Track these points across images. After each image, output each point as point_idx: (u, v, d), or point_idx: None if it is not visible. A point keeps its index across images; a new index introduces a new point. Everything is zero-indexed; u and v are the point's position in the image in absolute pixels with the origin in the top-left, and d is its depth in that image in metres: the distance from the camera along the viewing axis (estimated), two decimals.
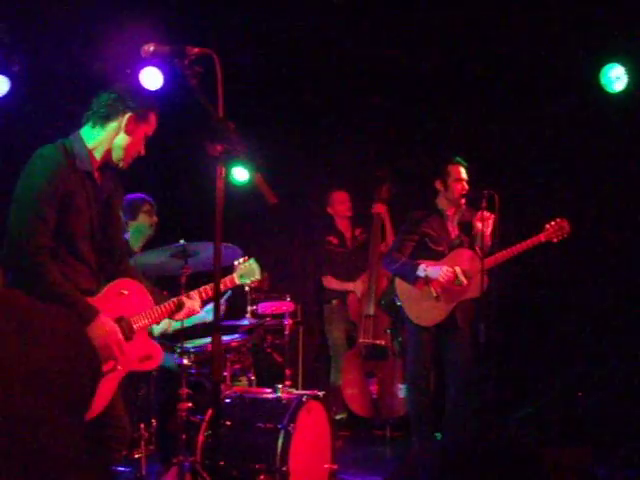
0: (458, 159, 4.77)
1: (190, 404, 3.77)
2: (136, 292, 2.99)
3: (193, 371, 4.05)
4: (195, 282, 4.24)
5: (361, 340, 5.69)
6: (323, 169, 6.49)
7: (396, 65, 5.97)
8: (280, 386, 3.98)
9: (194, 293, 3.18)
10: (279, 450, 3.61)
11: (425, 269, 4.59)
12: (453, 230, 4.79)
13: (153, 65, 5.31)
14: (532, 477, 2.07)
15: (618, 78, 5.32)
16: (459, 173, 4.72)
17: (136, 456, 3.75)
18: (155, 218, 4.49)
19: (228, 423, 3.78)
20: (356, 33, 5.81)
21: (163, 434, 3.94)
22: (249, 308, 4.62)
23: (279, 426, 3.66)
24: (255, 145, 2.44)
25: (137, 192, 4.49)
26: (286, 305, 4.70)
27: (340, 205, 6.11)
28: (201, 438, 3.73)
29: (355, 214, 6.17)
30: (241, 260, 3.49)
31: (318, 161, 6.48)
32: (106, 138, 2.85)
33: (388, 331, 5.69)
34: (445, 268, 4.55)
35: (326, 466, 3.89)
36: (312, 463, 3.82)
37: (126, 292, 2.94)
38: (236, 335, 4.47)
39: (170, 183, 6.12)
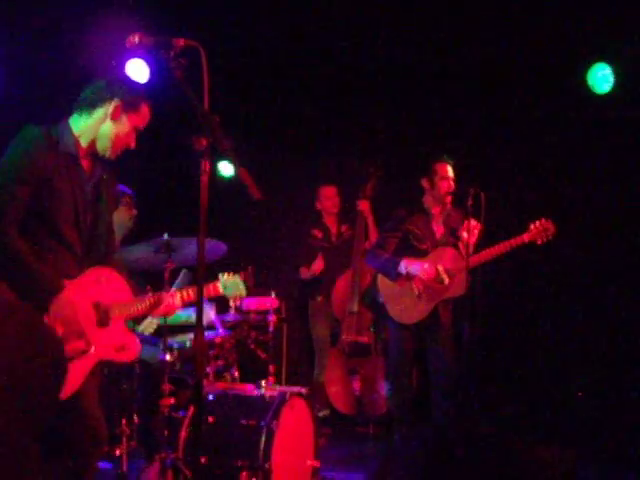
0: (445, 157, 4.74)
1: (172, 400, 3.74)
2: (114, 281, 2.92)
3: (176, 367, 4.02)
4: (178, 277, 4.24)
5: (344, 337, 5.68)
6: (312, 163, 6.46)
7: (386, 61, 5.97)
8: (263, 383, 3.96)
9: (175, 291, 3.12)
10: (262, 447, 3.59)
11: (407, 266, 4.57)
12: (438, 229, 4.77)
13: (139, 57, 5.27)
14: (516, 474, 2.06)
15: (605, 79, 5.35)
16: (445, 171, 4.69)
17: (117, 452, 3.71)
18: (134, 211, 4.43)
19: (211, 420, 3.75)
20: (346, 27, 5.80)
21: (145, 430, 3.91)
22: (233, 304, 4.60)
23: (262, 423, 3.65)
24: (241, 139, 2.42)
25: (119, 184, 4.44)
26: (270, 301, 4.67)
27: (327, 200, 6.10)
28: (183, 434, 3.70)
29: (343, 210, 6.16)
30: (226, 275, 3.35)
31: (307, 155, 6.45)
32: (92, 125, 2.80)
33: (371, 328, 5.68)
34: (426, 265, 4.53)
35: (309, 463, 3.87)
36: (295, 460, 3.80)
37: (104, 280, 2.86)
38: (219, 331, 4.44)
39: (155, 176, 6.07)
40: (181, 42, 2.24)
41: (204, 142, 2.13)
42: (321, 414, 5.52)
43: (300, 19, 5.74)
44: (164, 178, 6.20)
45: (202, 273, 2.28)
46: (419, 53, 5.83)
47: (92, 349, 2.71)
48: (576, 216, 5.46)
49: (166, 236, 3.80)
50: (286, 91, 6.28)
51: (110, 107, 2.78)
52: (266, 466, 3.55)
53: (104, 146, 2.82)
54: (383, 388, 5.52)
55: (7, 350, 2.36)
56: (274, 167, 6.23)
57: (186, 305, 3.16)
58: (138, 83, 2.91)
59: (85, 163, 2.84)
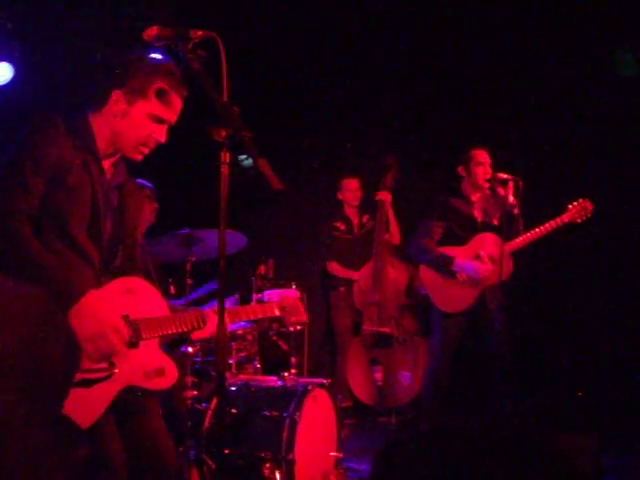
0: (480, 143, 4.79)
1: (195, 392, 3.76)
2: (147, 294, 2.47)
3: (198, 359, 4.03)
4: (200, 270, 4.25)
5: (366, 327, 5.69)
6: (334, 154, 6.44)
7: (408, 47, 5.94)
8: (286, 374, 3.96)
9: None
10: (285, 438, 3.58)
11: (461, 267, 4.58)
12: (478, 215, 4.80)
13: (156, 51, 5.26)
14: (539, 462, 2.03)
15: (630, 62, 5.30)
16: (481, 157, 4.73)
17: None
18: (155, 204, 4.45)
19: (233, 411, 3.76)
20: (368, 18, 5.77)
21: (168, 422, 3.92)
22: (255, 296, 4.61)
23: (285, 414, 3.64)
24: (261, 130, 2.40)
25: (138, 178, 4.46)
26: (292, 293, 4.67)
27: (349, 193, 6.09)
28: (206, 426, 3.72)
29: (363, 201, 6.15)
30: (287, 298, 3.06)
31: (329, 146, 6.43)
32: (104, 124, 2.44)
33: (393, 319, 5.67)
34: (483, 268, 4.54)
35: (332, 454, 3.87)
36: (318, 451, 3.80)
37: (134, 292, 2.42)
38: (242, 323, 4.44)
39: (175, 169, 6.09)
40: (199, 33, 2.22)
41: (223, 133, 2.12)
42: (343, 405, 5.53)
43: (320, 7, 5.72)
44: (184, 170, 6.21)
45: (223, 265, 2.26)
46: (446, 40, 5.78)
47: (116, 371, 2.27)
48: (612, 199, 5.36)
49: (187, 229, 3.80)
50: (307, 79, 6.27)
51: (112, 100, 2.41)
52: (289, 457, 3.55)
53: (121, 147, 2.47)
54: (405, 378, 5.52)
55: (19, 330, 2.14)
56: (294, 157, 6.23)
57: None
58: (148, 60, 2.42)
59: (106, 165, 2.49)
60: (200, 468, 3.62)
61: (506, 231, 4.49)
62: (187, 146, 5.89)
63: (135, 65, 2.42)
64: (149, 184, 4.46)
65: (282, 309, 2.99)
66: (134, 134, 2.44)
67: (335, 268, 6.01)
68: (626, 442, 4.70)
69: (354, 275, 5.91)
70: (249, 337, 4.44)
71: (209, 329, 2.57)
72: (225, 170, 2.13)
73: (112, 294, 2.35)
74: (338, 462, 3.89)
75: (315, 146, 6.48)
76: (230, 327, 2.72)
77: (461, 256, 4.65)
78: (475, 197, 4.81)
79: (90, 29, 4.97)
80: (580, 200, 4.57)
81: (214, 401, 3.74)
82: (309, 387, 3.79)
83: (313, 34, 5.96)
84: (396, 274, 5.75)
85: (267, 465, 3.58)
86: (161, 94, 2.42)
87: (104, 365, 2.23)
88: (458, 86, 5.97)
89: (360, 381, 5.69)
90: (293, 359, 4.38)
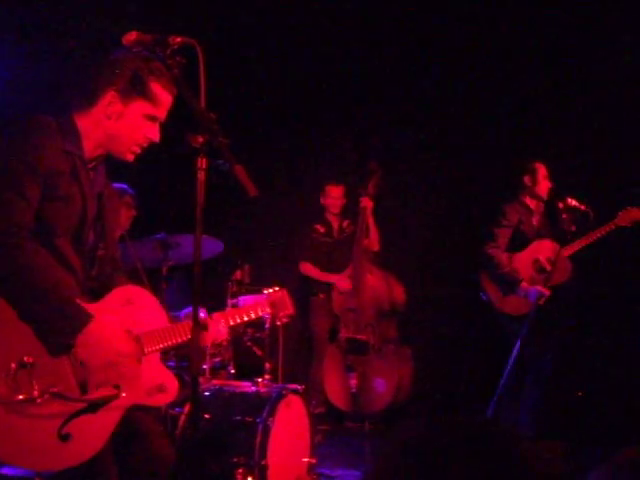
0: (540, 157, 5.01)
1: None
2: (148, 304, 2.42)
3: (172, 364, 4.02)
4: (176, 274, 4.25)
5: (343, 334, 5.71)
6: (318, 158, 6.44)
7: (401, 56, 5.98)
8: (260, 380, 3.97)
9: (218, 315, 2.66)
10: (258, 444, 3.59)
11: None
12: (537, 222, 5.01)
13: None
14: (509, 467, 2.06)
15: None
16: (546, 170, 4.95)
17: None
18: (134, 212, 4.42)
19: (207, 416, 3.76)
20: (355, 20, 5.79)
21: None
22: (229, 301, 4.61)
23: (258, 420, 3.65)
24: (240, 135, 2.42)
25: (118, 182, 4.44)
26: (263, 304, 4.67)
27: (332, 200, 6.09)
28: (179, 431, 3.71)
29: (345, 206, 6.15)
30: (271, 290, 3.12)
31: (313, 150, 6.43)
32: (93, 126, 2.34)
33: (370, 326, 5.69)
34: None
35: (305, 460, 3.88)
36: (291, 457, 3.81)
37: (135, 302, 2.35)
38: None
39: (152, 174, 6.07)
40: (178, 40, 2.23)
41: (200, 139, 2.13)
42: (317, 411, 5.54)
43: (302, 12, 5.74)
44: (161, 175, 6.20)
45: (199, 271, 2.26)
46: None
47: (122, 395, 2.18)
48: None
49: (163, 233, 3.80)
50: (289, 84, 6.29)
51: (105, 101, 2.32)
52: (262, 463, 3.56)
53: (114, 149, 2.38)
54: (380, 386, 5.54)
55: None
56: (274, 163, 6.24)
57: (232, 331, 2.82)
58: (141, 57, 2.30)
59: (91, 167, 2.39)
60: (173, 474, 3.60)
61: (561, 238, 4.73)
62: (164, 151, 5.90)
63: (128, 65, 2.34)
64: (130, 190, 4.44)
65: (272, 305, 3.02)
66: (131, 135, 2.37)
67: (308, 269, 6.00)
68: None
69: (330, 278, 5.91)
70: (223, 342, 4.43)
71: (210, 335, 2.53)
72: (202, 176, 2.14)
73: (113, 307, 2.29)
74: (311, 468, 3.90)
75: (296, 152, 6.48)
76: (225, 333, 2.65)
77: (520, 261, 4.87)
78: (533, 205, 5.02)
79: (71, 32, 4.96)
80: (628, 208, 4.81)
81: (187, 406, 3.73)
82: (283, 393, 3.81)
83: (297, 38, 5.98)
84: (374, 281, 5.76)
85: (240, 470, 3.58)
86: (154, 93, 2.37)
87: (109, 388, 2.16)
88: (447, 92, 6.02)
89: (335, 386, 5.70)
90: (267, 365, 4.39)
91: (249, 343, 4.77)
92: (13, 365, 1.97)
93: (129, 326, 2.29)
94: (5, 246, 2.07)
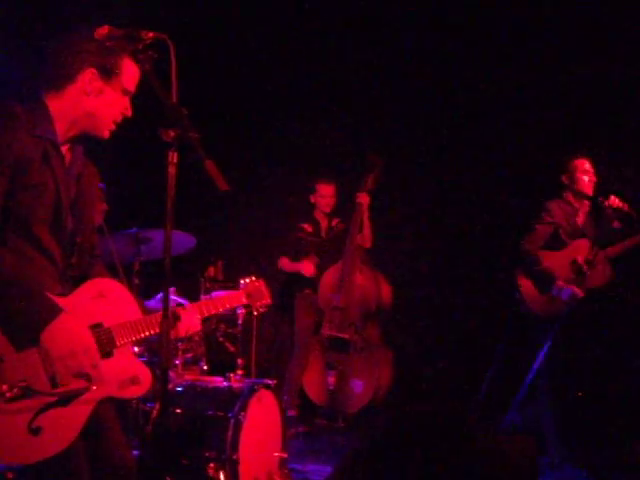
0: (582, 153, 4.83)
1: None
2: (120, 296, 2.41)
3: (144, 359, 4.02)
4: (148, 269, 4.24)
5: (325, 331, 5.63)
6: (307, 153, 6.34)
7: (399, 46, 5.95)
8: (232, 375, 3.98)
9: (192, 306, 2.66)
10: (229, 438, 3.61)
11: (560, 289, 4.63)
12: (580, 221, 4.87)
13: None
14: (476, 462, 2.11)
15: None
16: (585, 165, 4.79)
17: None
18: (105, 206, 4.40)
19: (178, 411, 3.77)
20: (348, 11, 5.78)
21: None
22: (202, 297, 4.62)
23: (230, 414, 3.67)
24: (221, 131, 2.43)
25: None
26: (239, 294, 4.67)
27: (322, 199, 5.92)
28: (151, 426, 3.71)
29: (336, 205, 6.01)
30: (247, 280, 3.12)
31: (302, 145, 6.36)
32: (68, 106, 2.30)
33: (353, 326, 5.61)
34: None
35: (276, 454, 3.90)
36: (262, 451, 3.83)
37: (107, 295, 2.35)
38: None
39: (124, 168, 6.04)
40: (150, 34, 2.24)
41: (172, 134, 2.14)
42: (290, 413, 5.48)
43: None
44: (133, 170, 6.17)
45: (169, 265, 2.27)
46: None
47: (93, 388, 2.19)
48: None
49: (135, 229, 3.80)
50: (279, 72, 6.24)
51: (84, 79, 2.30)
52: (234, 457, 3.58)
53: (92, 126, 2.35)
54: (357, 387, 5.49)
55: None
56: (259, 158, 6.20)
57: (205, 321, 2.78)
58: (114, 33, 2.26)
59: (65, 150, 2.34)
60: (144, 468, 3.61)
61: (603, 239, 4.64)
62: (136, 145, 5.88)
63: (106, 42, 2.29)
64: (100, 184, 4.41)
65: (248, 296, 3.02)
66: (111, 111, 2.35)
67: (284, 263, 5.90)
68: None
69: (297, 266, 5.76)
70: (196, 338, 4.44)
71: (183, 327, 2.52)
72: (172, 170, 2.15)
73: (83, 300, 2.29)
74: (282, 462, 3.92)
75: (284, 147, 6.43)
76: (199, 324, 2.64)
77: (557, 261, 4.76)
78: (578, 204, 4.88)
79: (46, 27, 4.91)
80: None
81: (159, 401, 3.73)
82: (255, 388, 3.82)
83: (288, 28, 5.95)
84: (363, 281, 5.64)
85: (211, 465, 3.60)
86: (128, 68, 2.35)
87: (80, 381, 2.17)
88: (453, 87, 5.99)
89: (313, 381, 5.64)
90: (240, 360, 4.40)
91: (221, 339, 4.78)
92: None
93: (100, 319, 2.30)
94: None
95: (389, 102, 6.20)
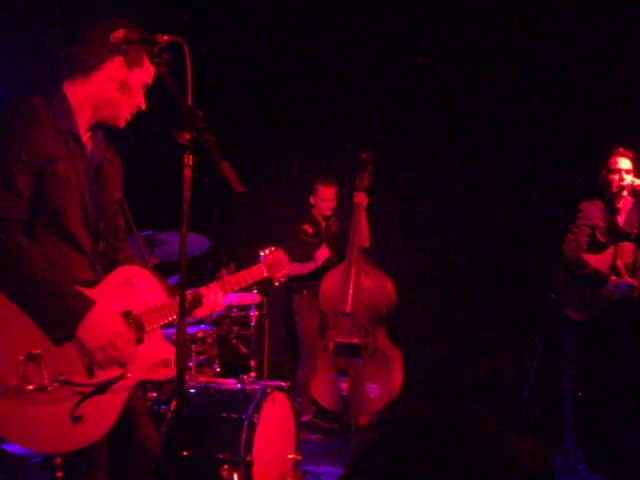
0: (620, 148, 4.64)
1: (155, 394, 3.76)
2: (146, 282, 2.46)
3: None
4: (164, 272, 4.24)
5: (336, 338, 5.48)
6: (308, 155, 6.33)
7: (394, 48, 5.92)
8: (245, 377, 3.99)
9: (215, 285, 2.69)
10: (243, 440, 3.61)
11: (615, 284, 4.47)
12: (622, 223, 4.68)
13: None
14: (489, 463, 2.09)
15: None
16: (617, 163, 4.61)
17: None
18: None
19: (192, 413, 3.78)
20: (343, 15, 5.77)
21: None
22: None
23: (243, 416, 3.67)
24: (229, 131, 2.43)
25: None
26: (252, 296, 4.68)
27: (324, 202, 5.85)
28: (166, 428, 3.72)
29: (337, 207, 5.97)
30: (267, 251, 3.12)
31: (303, 146, 6.34)
32: (92, 92, 2.35)
33: (364, 330, 5.48)
34: (632, 286, 4.42)
35: (290, 456, 3.90)
36: (276, 453, 3.83)
37: (133, 282, 2.41)
38: (202, 326, 4.46)
39: (139, 170, 6.05)
40: (165, 37, 2.25)
41: (187, 136, 2.15)
42: (305, 419, 5.44)
43: (290, 8, 5.75)
44: (148, 173, 6.19)
45: (185, 268, 2.28)
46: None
47: (128, 375, 2.30)
48: None
49: (149, 231, 3.81)
50: (278, 75, 6.24)
51: (112, 66, 2.36)
52: (247, 459, 3.58)
53: (112, 114, 2.40)
54: (373, 391, 5.41)
55: None
56: (263, 160, 6.22)
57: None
58: (129, 36, 2.31)
59: (86, 139, 2.40)
60: (158, 470, 3.62)
61: None
62: (151, 148, 5.91)
63: (122, 45, 2.36)
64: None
65: (269, 268, 3.05)
66: (130, 102, 2.41)
67: (297, 269, 5.85)
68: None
69: (307, 266, 5.69)
70: (209, 340, 4.45)
71: (207, 305, 2.60)
72: (188, 173, 2.16)
73: (111, 289, 2.36)
74: (296, 464, 3.93)
75: (286, 148, 6.44)
76: (222, 302, 2.70)
77: (596, 265, 4.58)
78: (619, 204, 4.68)
79: (60, 30, 4.93)
80: None
81: (174, 403, 3.75)
82: (268, 390, 3.83)
83: (287, 32, 5.97)
84: (370, 284, 5.52)
85: (225, 467, 3.60)
86: (147, 63, 2.42)
87: (115, 369, 2.26)
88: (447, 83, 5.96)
89: (324, 388, 5.51)
90: (253, 362, 4.41)
91: (234, 341, 4.78)
92: (21, 358, 2.07)
93: (129, 306, 2.37)
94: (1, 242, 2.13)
95: (388, 99, 6.20)
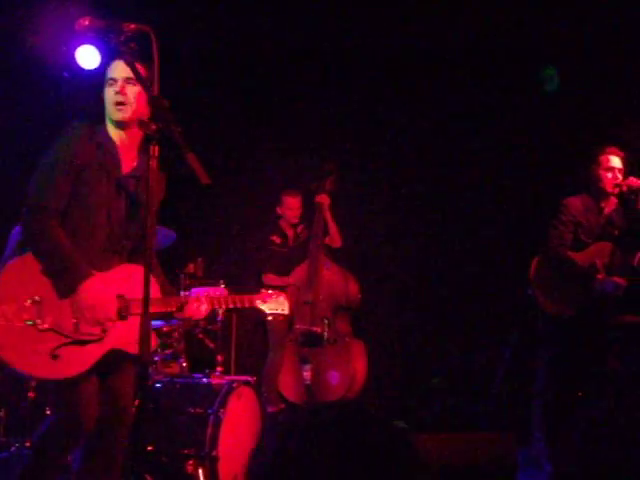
0: (612, 147, 4.54)
1: None
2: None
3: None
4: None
5: (297, 326, 5.69)
6: (274, 157, 6.31)
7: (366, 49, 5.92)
8: (211, 372, 3.97)
9: (204, 298, 3.07)
10: (209, 435, 3.60)
11: (602, 282, 4.37)
12: (605, 223, 4.58)
13: (90, 43, 5.19)
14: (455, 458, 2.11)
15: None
16: (610, 161, 4.50)
17: None
18: None
19: (157, 407, 3.74)
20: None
21: None
22: (182, 293, 4.58)
23: (209, 411, 3.66)
24: (197, 125, 2.41)
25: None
26: (220, 291, 4.65)
27: (289, 211, 6.03)
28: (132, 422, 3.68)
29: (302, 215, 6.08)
30: (271, 292, 3.29)
31: (273, 141, 6.31)
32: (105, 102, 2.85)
33: (325, 319, 5.69)
34: (618, 284, 4.34)
35: None
36: (242, 448, 3.82)
37: (134, 277, 2.83)
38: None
39: None
40: (132, 26, 2.23)
41: (153, 126, 2.13)
42: (276, 409, 5.52)
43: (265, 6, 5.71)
44: None
45: (149, 259, 2.27)
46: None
47: (104, 337, 2.79)
48: None
49: None
50: (251, 77, 6.21)
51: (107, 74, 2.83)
52: (213, 454, 3.57)
53: (110, 111, 2.83)
54: (334, 378, 5.55)
55: None
56: (229, 154, 6.20)
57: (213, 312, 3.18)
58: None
59: (123, 152, 2.86)
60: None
61: (629, 242, 4.39)
62: None
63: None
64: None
65: (263, 302, 3.23)
66: (113, 94, 2.79)
67: (271, 279, 6.01)
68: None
69: (289, 280, 5.91)
70: (175, 334, 4.42)
71: (187, 312, 2.99)
72: (153, 163, 2.14)
73: (114, 277, 2.88)
74: None
75: (254, 144, 6.42)
76: (203, 312, 3.07)
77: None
78: (604, 203, 4.57)
79: (26, 16, 4.86)
80: None
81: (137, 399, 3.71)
82: (234, 385, 3.81)
83: (259, 31, 5.93)
84: (330, 275, 5.71)
85: (190, 462, 3.59)
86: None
87: (97, 330, 2.78)
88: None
89: (289, 380, 5.68)
90: (219, 357, 4.38)
91: (201, 335, 4.75)
92: (29, 301, 2.74)
93: (124, 292, 2.84)
94: (34, 221, 2.78)
95: (388, 96, 6.21)
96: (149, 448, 3.57)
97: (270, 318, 3.46)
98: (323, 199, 5.77)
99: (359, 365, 5.67)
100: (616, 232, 4.57)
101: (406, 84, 6.03)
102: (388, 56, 5.99)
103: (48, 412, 3.71)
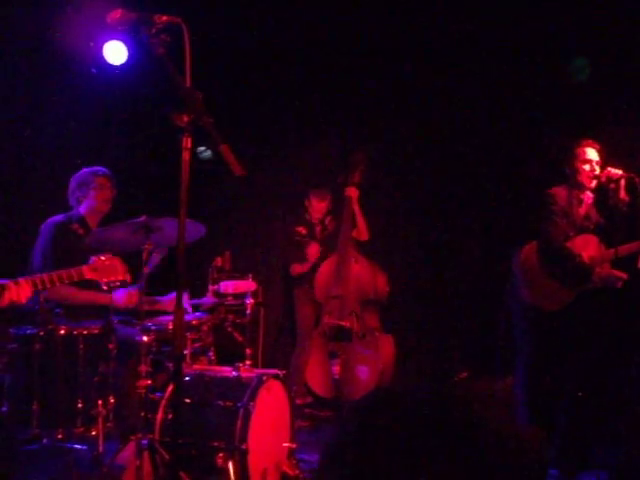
0: (588, 140, 4.49)
1: (149, 381, 3.73)
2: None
3: (153, 349, 4.00)
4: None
5: (326, 320, 5.67)
6: (305, 148, 6.36)
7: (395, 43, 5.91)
8: (240, 365, 3.97)
9: (24, 280, 3.05)
10: (238, 428, 3.60)
11: (600, 277, 4.28)
12: (586, 215, 4.52)
13: (117, 39, 5.21)
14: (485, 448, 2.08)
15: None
16: (586, 154, 4.45)
17: (93, 433, 3.70)
18: (109, 193, 4.40)
19: (188, 401, 3.76)
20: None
21: (121, 411, 3.90)
22: (210, 287, 4.60)
23: (239, 404, 3.66)
24: (226, 118, 2.40)
25: (98, 165, 4.41)
26: (248, 285, 4.67)
27: (315, 212, 6.06)
28: (160, 416, 3.70)
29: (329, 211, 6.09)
30: (102, 257, 3.39)
31: (301, 137, 6.38)
32: None
33: (354, 314, 5.65)
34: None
35: (285, 445, 3.90)
36: (271, 441, 3.82)
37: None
38: (197, 313, 4.43)
39: (135, 156, 6.01)
40: (163, 18, 2.22)
41: (185, 118, 2.12)
42: (305, 401, 5.53)
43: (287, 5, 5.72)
44: (143, 157, 6.14)
45: (182, 253, 2.26)
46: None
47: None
48: None
49: (144, 217, 3.76)
50: (273, 68, 6.21)
51: None
52: (242, 447, 3.57)
53: None
54: (363, 373, 5.51)
55: None
56: (255, 149, 6.20)
57: (37, 294, 3.22)
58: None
59: None
60: (153, 457, 3.60)
61: (611, 233, 4.32)
62: (147, 131, 5.85)
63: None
64: (103, 171, 4.39)
65: (94, 271, 3.32)
66: None
67: (297, 269, 6.02)
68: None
69: (305, 266, 5.91)
70: (204, 328, 4.42)
71: (6, 298, 2.99)
72: (186, 156, 2.13)
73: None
74: (291, 453, 3.92)
75: (283, 138, 6.42)
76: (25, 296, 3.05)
77: None
78: (584, 195, 4.50)
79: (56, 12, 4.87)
80: None
81: (168, 390, 3.72)
82: (263, 378, 3.81)
83: (285, 24, 5.92)
84: (359, 269, 5.69)
85: (220, 455, 3.59)
86: None
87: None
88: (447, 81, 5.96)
89: (317, 374, 5.66)
90: (248, 350, 4.38)
91: (230, 329, 4.76)
92: None
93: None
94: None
95: (387, 94, 6.19)
96: (179, 441, 3.57)
97: (105, 288, 3.44)
98: (352, 192, 5.73)
99: (388, 358, 5.63)
100: (592, 227, 4.49)
101: (440, 74, 5.97)
102: (420, 47, 5.95)
103: (80, 405, 3.74)
